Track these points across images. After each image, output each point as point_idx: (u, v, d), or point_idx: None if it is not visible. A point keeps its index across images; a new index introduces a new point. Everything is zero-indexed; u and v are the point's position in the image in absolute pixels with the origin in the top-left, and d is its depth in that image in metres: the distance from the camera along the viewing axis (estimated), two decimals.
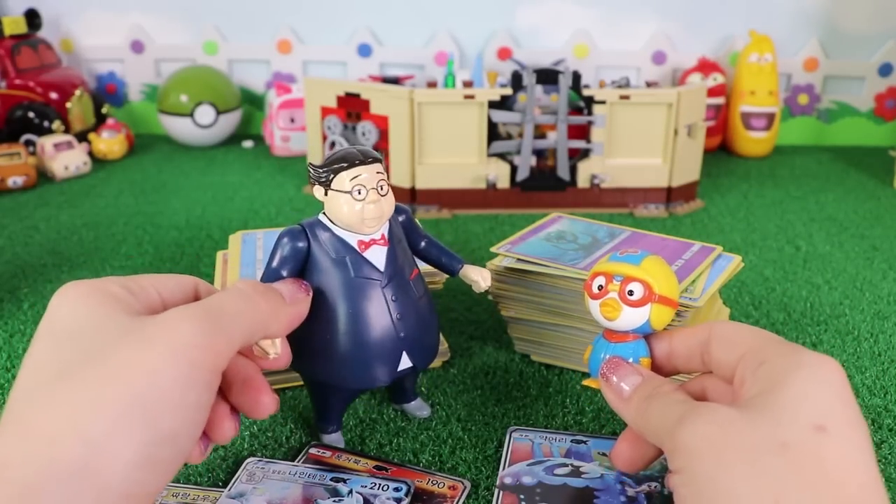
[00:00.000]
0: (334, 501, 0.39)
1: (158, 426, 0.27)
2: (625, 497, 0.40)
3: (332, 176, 0.40)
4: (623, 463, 0.38)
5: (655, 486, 0.41)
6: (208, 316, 0.30)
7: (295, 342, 0.41)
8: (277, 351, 0.37)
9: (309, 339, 0.42)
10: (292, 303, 0.37)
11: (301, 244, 0.41)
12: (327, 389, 0.44)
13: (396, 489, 0.40)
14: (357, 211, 0.40)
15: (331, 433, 0.46)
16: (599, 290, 0.38)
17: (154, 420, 0.27)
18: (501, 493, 0.40)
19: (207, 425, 0.33)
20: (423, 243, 0.47)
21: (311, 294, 0.39)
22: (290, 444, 0.46)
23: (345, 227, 0.41)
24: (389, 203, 0.41)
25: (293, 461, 0.43)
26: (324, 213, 0.42)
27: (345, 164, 0.40)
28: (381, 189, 0.41)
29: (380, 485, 0.40)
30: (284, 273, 0.41)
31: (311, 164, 0.41)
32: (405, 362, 0.43)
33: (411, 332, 0.43)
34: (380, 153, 0.43)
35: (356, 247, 0.41)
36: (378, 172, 0.41)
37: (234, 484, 0.41)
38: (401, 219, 0.45)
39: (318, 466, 0.42)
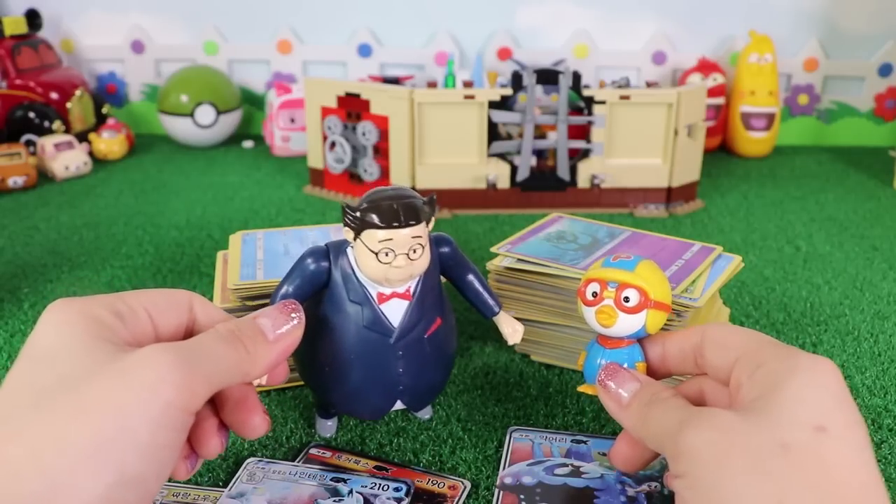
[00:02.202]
0: (334, 501, 0.39)
1: (125, 468, 0.26)
2: (625, 497, 0.40)
3: (362, 228, 0.38)
4: (621, 463, 0.39)
5: (655, 486, 0.41)
6: (187, 355, 0.29)
7: (303, 358, 0.42)
8: (262, 383, 0.36)
9: (310, 358, 0.42)
10: (276, 340, 0.34)
11: (323, 265, 0.40)
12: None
13: (396, 489, 0.40)
14: (381, 270, 0.38)
15: (326, 419, 0.46)
16: (594, 297, 0.38)
17: (121, 461, 0.26)
18: (501, 493, 0.40)
19: (195, 440, 0.33)
20: (466, 277, 0.44)
21: (301, 318, 0.35)
22: (290, 444, 0.46)
23: (367, 278, 0.40)
24: (422, 263, 0.39)
25: (293, 461, 0.43)
26: (350, 248, 0.40)
27: (378, 223, 0.37)
28: (414, 253, 0.38)
29: (380, 485, 0.40)
30: (298, 292, 0.40)
31: (346, 205, 0.38)
32: (398, 405, 0.44)
33: (413, 381, 0.43)
34: (429, 205, 0.39)
35: (374, 297, 0.40)
36: (414, 237, 0.38)
37: (234, 484, 0.41)
38: (444, 250, 0.43)
39: (318, 466, 0.42)
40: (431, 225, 0.40)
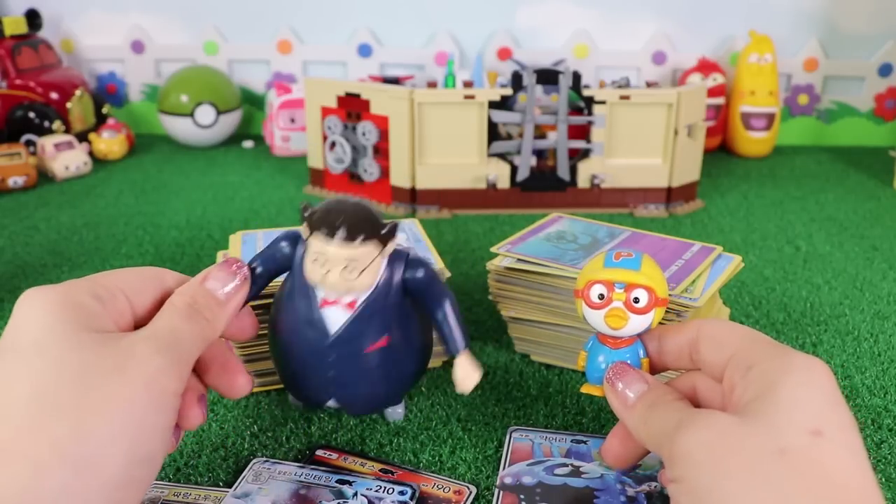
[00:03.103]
0: (339, 503, 0.39)
1: (137, 450, 0.30)
2: (625, 497, 0.40)
3: (307, 233, 0.39)
4: (612, 459, 0.39)
5: (655, 486, 0.41)
6: (171, 345, 0.32)
7: (271, 336, 0.44)
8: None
9: (270, 327, 0.44)
10: (226, 300, 0.37)
11: (288, 250, 0.41)
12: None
13: (402, 492, 0.40)
14: (317, 276, 0.39)
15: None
16: (601, 299, 0.38)
17: (135, 445, 0.30)
18: (501, 493, 0.40)
19: (179, 414, 0.35)
20: (436, 310, 0.42)
21: (245, 274, 0.38)
22: (290, 445, 0.46)
23: None
24: (360, 284, 0.39)
25: (297, 462, 0.43)
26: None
27: (317, 232, 0.38)
28: (349, 273, 0.38)
29: (385, 488, 0.40)
30: (259, 270, 0.41)
31: (306, 204, 0.40)
32: (332, 403, 0.44)
33: (345, 390, 0.43)
34: (386, 232, 0.39)
35: (318, 299, 0.40)
36: (349, 258, 0.38)
37: (239, 484, 0.41)
38: (416, 275, 0.41)
39: (323, 468, 0.42)
40: (387, 249, 0.40)
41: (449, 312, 0.42)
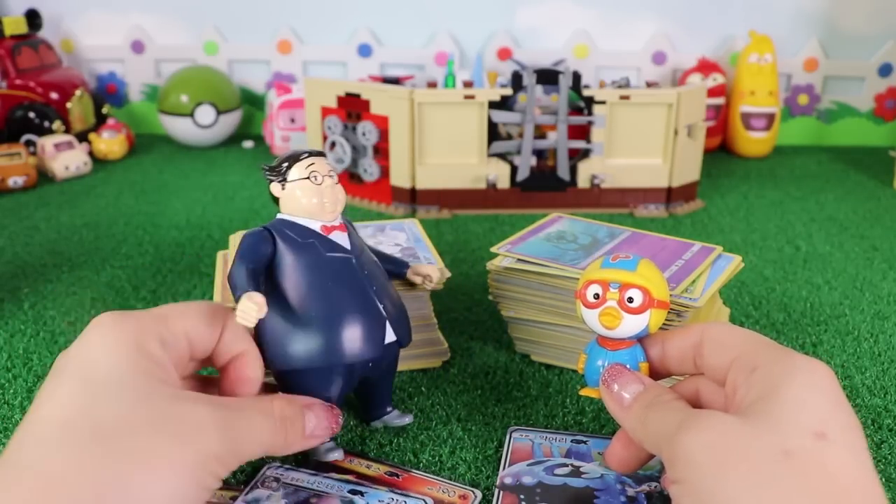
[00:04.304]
0: None
1: None
2: (625, 497, 0.40)
3: (287, 167, 0.42)
4: (616, 463, 0.39)
5: (655, 486, 0.41)
6: (234, 432, 0.33)
7: (276, 336, 0.41)
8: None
9: (292, 327, 0.41)
10: (308, 437, 0.38)
11: (266, 237, 0.42)
12: (317, 385, 0.42)
13: None
14: (316, 193, 0.42)
15: (327, 443, 0.43)
16: (596, 298, 0.38)
17: None
18: (501, 493, 0.40)
19: None
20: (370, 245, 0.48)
21: (338, 428, 0.41)
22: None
23: (306, 216, 0.42)
24: (342, 192, 0.43)
25: (307, 466, 0.43)
26: (280, 214, 0.43)
27: (297, 157, 0.42)
28: (333, 177, 0.43)
29: (397, 500, 0.40)
30: (252, 262, 0.40)
31: (264, 165, 0.43)
32: (390, 335, 0.43)
33: (390, 305, 0.44)
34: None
35: (320, 231, 0.42)
36: (327, 164, 0.43)
37: (251, 489, 0.41)
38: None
39: (335, 476, 0.42)
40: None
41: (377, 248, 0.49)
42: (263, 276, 0.41)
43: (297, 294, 0.41)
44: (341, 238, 0.43)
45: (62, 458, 0.28)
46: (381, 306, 0.43)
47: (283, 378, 0.42)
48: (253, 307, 0.37)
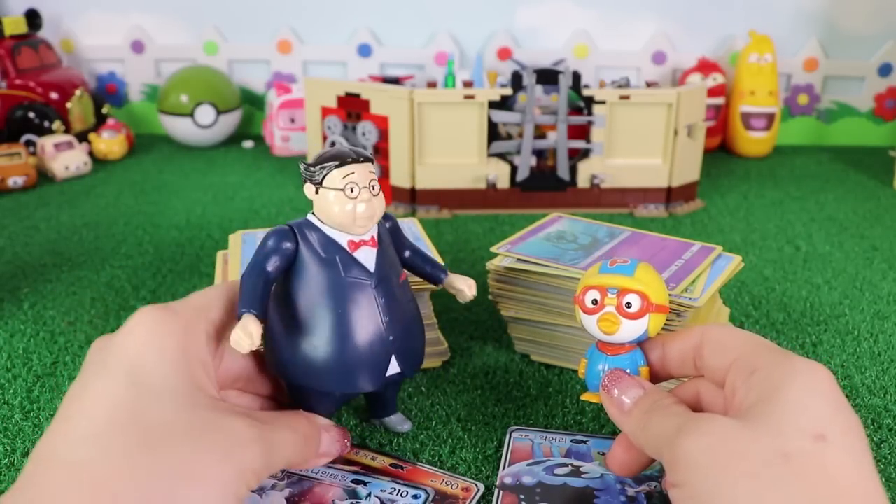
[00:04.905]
0: (352, 503, 0.39)
1: None
2: (625, 497, 0.40)
3: (324, 173, 0.39)
4: (618, 467, 0.39)
5: (655, 487, 0.41)
6: (270, 448, 0.34)
7: (280, 345, 0.40)
8: None
9: (294, 341, 0.40)
10: (321, 455, 0.39)
11: (288, 244, 0.40)
12: (311, 397, 0.42)
13: (415, 496, 0.40)
14: (349, 210, 0.39)
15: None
16: (594, 304, 0.38)
17: None
18: (501, 493, 0.40)
19: None
20: (407, 252, 0.46)
21: (347, 450, 0.41)
22: None
23: (335, 227, 0.40)
24: (380, 203, 0.41)
25: None
26: (313, 214, 0.41)
27: (337, 162, 0.39)
28: (373, 189, 0.40)
29: (399, 490, 0.40)
30: (270, 269, 0.39)
31: (302, 161, 0.41)
32: (394, 367, 0.42)
33: (399, 336, 0.42)
34: (372, 154, 0.43)
35: (346, 247, 0.40)
36: (370, 172, 0.40)
37: None
38: (388, 225, 0.44)
39: (339, 466, 0.42)
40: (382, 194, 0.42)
41: (421, 250, 0.47)
42: (280, 278, 0.40)
43: (307, 310, 0.40)
44: (367, 256, 0.41)
45: (110, 462, 0.28)
46: (389, 338, 0.41)
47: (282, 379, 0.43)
48: (246, 340, 0.36)
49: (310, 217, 0.41)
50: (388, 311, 0.41)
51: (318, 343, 0.40)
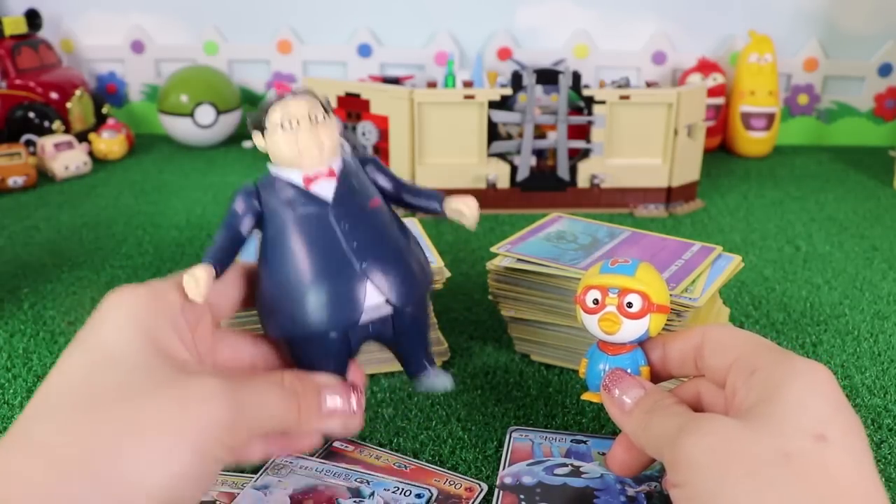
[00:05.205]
0: (355, 502, 0.39)
1: (165, 491, 0.28)
2: (625, 497, 0.40)
3: (264, 116, 0.39)
4: (618, 467, 0.38)
5: (655, 486, 0.41)
6: (242, 401, 0.31)
7: (261, 302, 0.40)
8: None
9: (269, 292, 0.39)
10: (326, 414, 0.36)
11: (250, 198, 0.39)
12: (310, 354, 0.40)
13: (419, 496, 0.40)
14: (292, 143, 0.38)
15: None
16: (595, 304, 0.38)
17: (164, 480, 0.28)
18: (501, 493, 0.40)
19: None
20: (396, 188, 0.43)
21: (360, 410, 0.37)
22: None
23: (289, 167, 0.39)
24: (328, 132, 0.39)
25: (316, 456, 0.44)
26: (270, 165, 0.40)
27: (275, 104, 0.39)
28: (316, 119, 0.39)
29: (402, 489, 0.40)
30: (233, 223, 0.39)
31: (248, 113, 0.41)
32: (374, 297, 0.39)
33: (377, 262, 0.39)
34: (324, 102, 0.41)
35: (301, 183, 0.39)
36: (309, 104, 0.39)
37: (260, 476, 0.41)
38: (367, 169, 0.43)
39: (342, 465, 0.43)
40: (333, 124, 0.40)
41: (411, 184, 0.44)
42: (247, 239, 0.40)
43: (273, 258, 0.39)
44: (324, 188, 0.39)
45: (53, 426, 0.28)
46: (361, 264, 0.39)
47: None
48: (190, 281, 0.35)
49: (268, 167, 0.40)
50: (355, 237, 0.39)
51: (284, 283, 0.39)
